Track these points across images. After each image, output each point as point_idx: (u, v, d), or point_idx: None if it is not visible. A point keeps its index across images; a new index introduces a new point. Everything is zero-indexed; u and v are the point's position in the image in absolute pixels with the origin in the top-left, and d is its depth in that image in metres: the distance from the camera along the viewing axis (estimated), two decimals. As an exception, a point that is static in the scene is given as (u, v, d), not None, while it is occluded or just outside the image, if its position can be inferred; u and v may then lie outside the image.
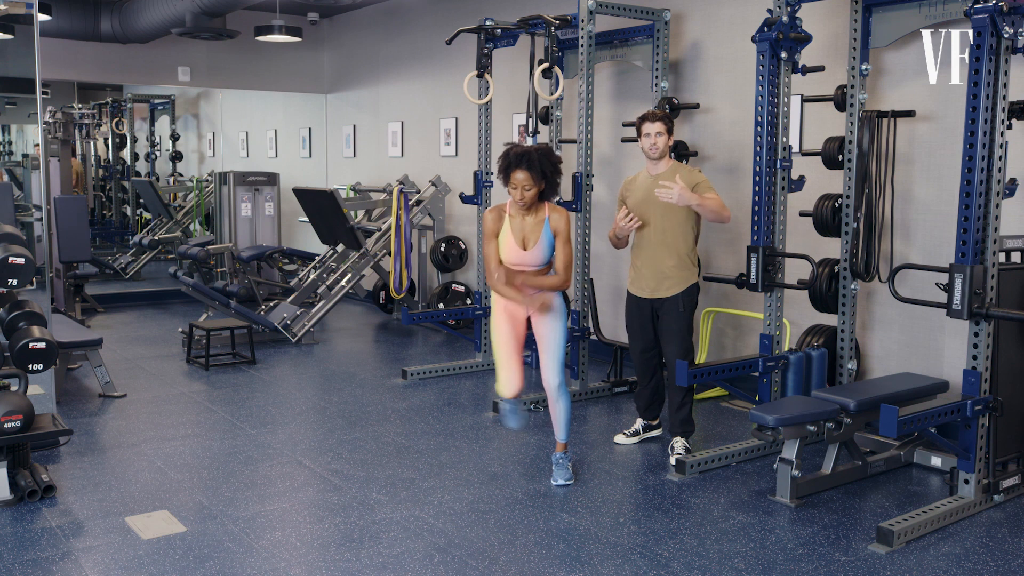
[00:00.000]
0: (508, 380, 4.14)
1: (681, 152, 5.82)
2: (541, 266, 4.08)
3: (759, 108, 4.50)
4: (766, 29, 4.44)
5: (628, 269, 4.76)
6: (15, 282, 4.01)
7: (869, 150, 4.73)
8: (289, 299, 7.88)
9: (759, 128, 4.52)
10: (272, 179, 9.84)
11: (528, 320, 4.19)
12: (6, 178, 8.57)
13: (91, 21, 8.95)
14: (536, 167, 3.93)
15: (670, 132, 4.51)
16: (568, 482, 4.22)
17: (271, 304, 7.87)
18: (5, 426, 3.87)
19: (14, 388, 4.09)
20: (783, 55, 4.48)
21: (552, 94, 5.92)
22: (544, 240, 4.05)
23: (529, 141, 7.23)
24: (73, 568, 3.32)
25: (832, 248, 5.11)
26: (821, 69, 4.91)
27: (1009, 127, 3.80)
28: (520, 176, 3.93)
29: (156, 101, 12.21)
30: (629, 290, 4.70)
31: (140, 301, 9.71)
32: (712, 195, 4.41)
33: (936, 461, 4.41)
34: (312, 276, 8.11)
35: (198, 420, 5.28)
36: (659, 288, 4.53)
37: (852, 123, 4.78)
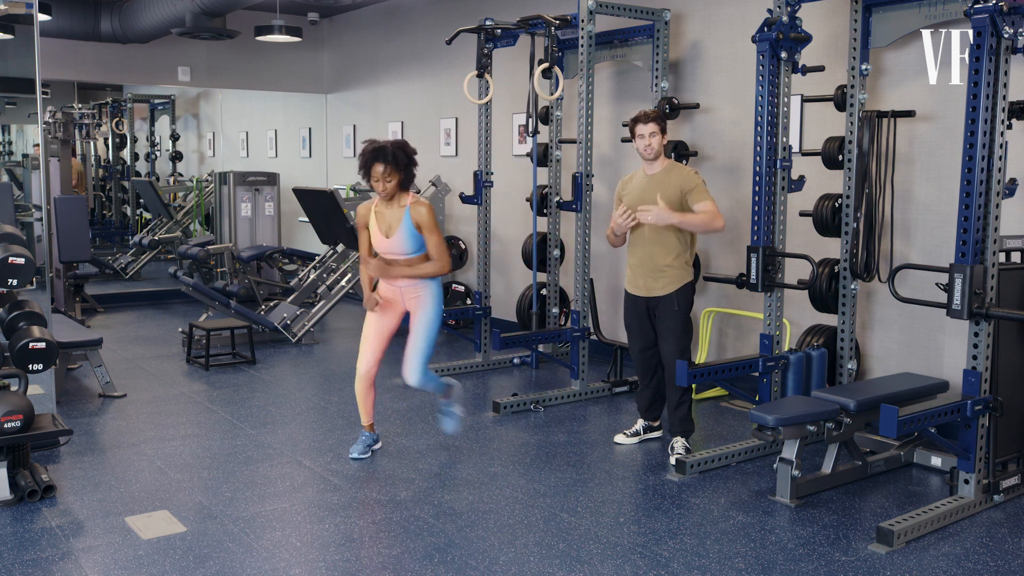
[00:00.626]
0: (365, 357, 4.54)
1: (681, 152, 5.82)
2: (409, 254, 4.37)
3: (759, 108, 4.50)
4: (766, 29, 4.44)
5: (626, 268, 4.76)
6: (15, 282, 4.01)
7: (869, 150, 4.73)
8: (289, 299, 7.88)
9: (759, 128, 4.52)
10: (272, 179, 9.84)
11: (406, 316, 4.56)
12: (6, 178, 8.58)
13: (91, 21, 8.95)
14: (390, 159, 4.24)
15: (664, 132, 4.51)
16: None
17: (271, 304, 7.87)
18: (5, 426, 3.87)
19: (14, 388, 4.09)
20: (783, 55, 4.48)
21: (552, 94, 5.92)
22: (405, 229, 4.31)
23: (529, 141, 7.24)
24: (73, 568, 3.32)
25: (832, 248, 5.11)
26: (821, 69, 4.91)
27: (1009, 127, 3.80)
28: (379, 169, 4.24)
29: (156, 101, 12.22)
30: (626, 289, 4.71)
31: (140, 301, 9.71)
32: (702, 204, 4.38)
33: (936, 461, 4.41)
34: (312, 276, 8.11)
35: (198, 420, 5.28)
36: (654, 286, 4.54)
37: (852, 123, 4.78)
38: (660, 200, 4.36)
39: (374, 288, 4.59)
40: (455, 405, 4.81)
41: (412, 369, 4.44)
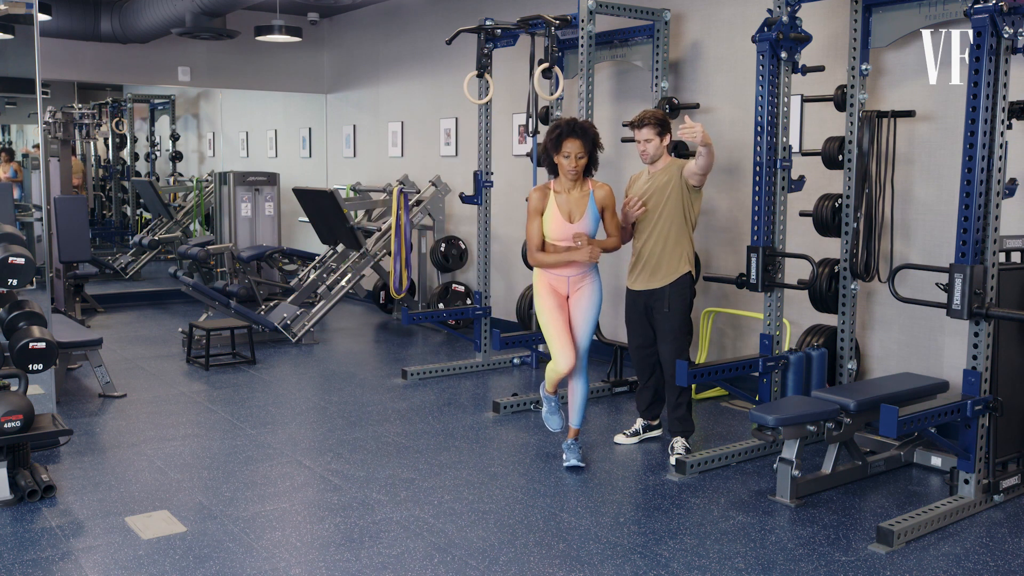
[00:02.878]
0: (565, 351, 4.27)
1: (681, 152, 5.81)
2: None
3: (759, 108, 4.50)
4: (766, 29, 4.44)
5: (626, 268, 4.77)
6: (15, 282, 4.01)
7: (869, 150, 4.73)
8: (289, 299, 7.88)
9: (759, 128, 4.52)
10: (272, 179, 9.84)
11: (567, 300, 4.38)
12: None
13: (91, 21, 8.95)
14: (588, 136, 4.13)
15: (662, 135, 4.49)
16: (580, 463, 4.38)
17: (271, 304, 7.87)
18: (5, 426, 3.87)
19: (14, 388, 4.09)
20: (783, 55, 4.48)
21: (552, 94, 5.92)
22: (590, 214, 4.23)
23: (529, 141, 7.24)
24: (73, 568, 3.32)
25: (832, 248, 5.11)
26: (821, 69, 4.91)
27: (1009, 127, 3.80)
28: (572, 145, 4.11)
29: (156, 101, 12.21)
30: (627, 285, 4.71)
31: (140, 301, 9.71)
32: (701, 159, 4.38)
33: (936, 461, 4.41)
34: (312, 276, 8.11)
35: (198, 420, 5.28)
36: (652, 280, 4.55)
37: (852, 123, 4.78)
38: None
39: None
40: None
41: (582, 355, 4.37)
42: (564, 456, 4.45)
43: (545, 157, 4.25)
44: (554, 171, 4.30)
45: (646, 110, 4.60)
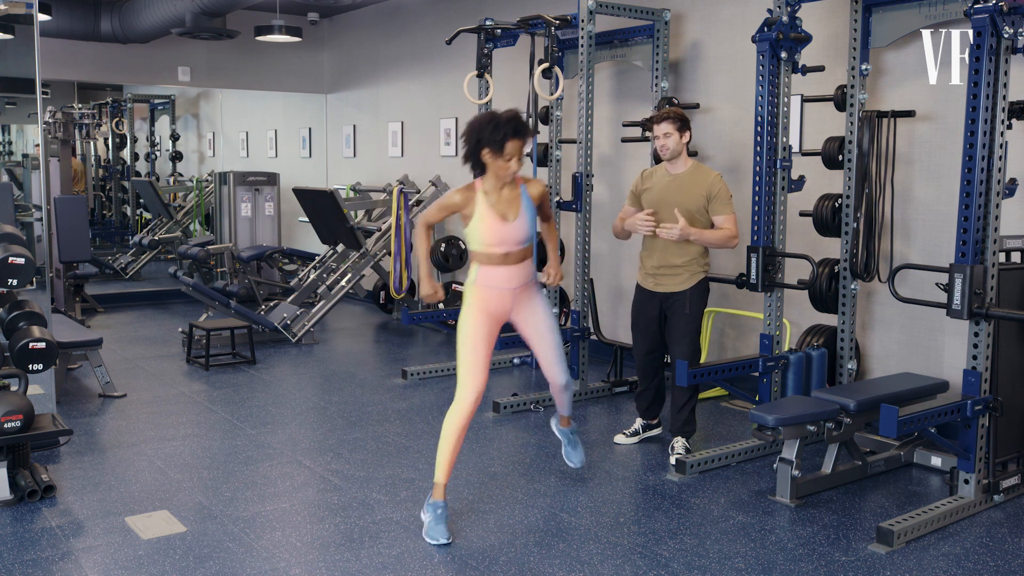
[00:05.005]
0: (476, 379, 3.66)
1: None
2: (525, 243, 3.79)
3: (759, 108, 4.49)
4: (766, 29, 4.44)
5: (626, 268, 4.76)
6: (15, 282, 4.01)
7: (869, 150, 4.73)
8: (289, 299, 7.88)
9: (759, 128, 4.52)
10: (272, 179, 9.84)
11: (505, 324, 3.91)
12: (6, 178, 8.57)
13: (91, 21, 8.95)
14: (528, 134, 3.68)
15: (681, 131, 4.46)
16: (582, 463, 4.31)
17: (271, 304, 7.87)
18: (5, 426, 3.87)
19: (14, 388, 4.09)
20: (783, 55, 4.48)
21: (552, 94, 5.92)
22: (526, 211, 3.75)
23: (529, 141, 7.23)
24: (73, 568, 3.32)
25: (832, 248, 5.11)
26: (821, 69, 4.91)
27: (1009, 127, 3.80)
28: (515, 146, 3.62)
29: (156, 101, 12.21)
30: (639, 283, 4.68)
31: (140, 301, 9.71)
32: (722, 219, 4.41)
33: (936, 461, 4.41)
34: (312, 276, 8.11)
35: (198, 420, 5.28)
36: (670, 283, 4.52)
37: (852, 123, 4.78)
38: (679, 216, 4.36)
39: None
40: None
41: (562, 368, 3.98)
42: (565, 453, 4.28)
43: (473, 155, 3.72)
44: (480, 169, 3.76)
45: (666, 108, 4.61)
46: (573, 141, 6.31)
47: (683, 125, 4.48)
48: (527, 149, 3.77)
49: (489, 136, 3.63)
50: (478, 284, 3.78)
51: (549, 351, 3.95)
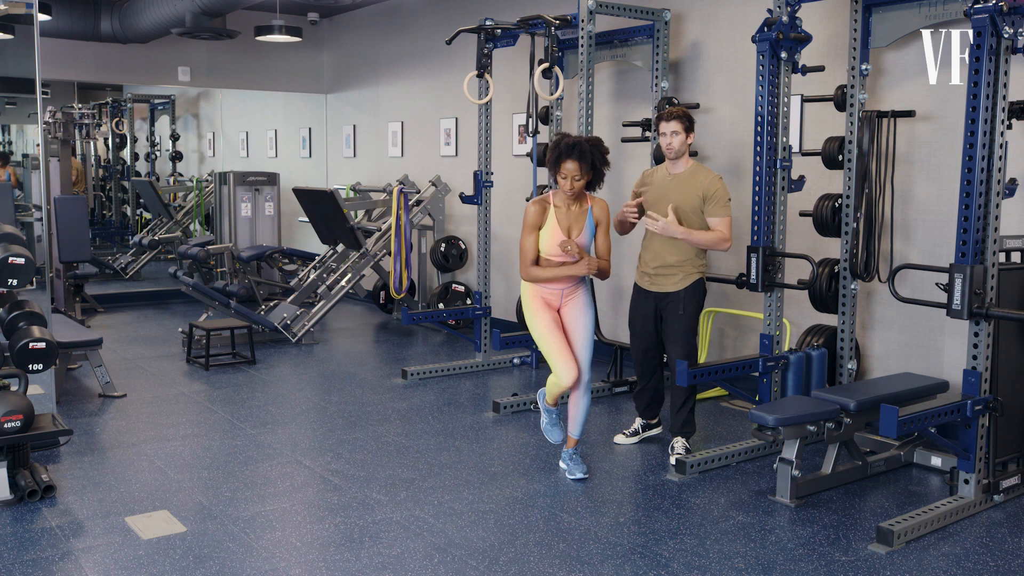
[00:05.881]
0: (567, 366, 4.16)
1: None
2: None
3: (759, 108, 4.49)
4: (766, 29, 4.44)
5: (625, 268, 4.76)
6: (15, 282, 4.01)
7: (869, 150, 4.73)
8: (289, 299, 7.88)
9: (759, 128, 4.52)
10: (272, 179, 9.84)
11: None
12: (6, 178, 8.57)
13: (91, 21, 8.95)
14: (587, 158, 4.03)
15: (688, 131, 4.47)
16: (585, 475, 4.29)
17: (271, 304, 7.87)
18: (5, 426, 3.87)
19: (14, 388, 4.09)
20: (783, 55, 4.48)
21: (552, 94, 5.92)
22: (588, 229, 4.16)
23: (529, 141, 7.24)
24: (73, 568, 3.32)
25: (832, 248, 5.11)
26: (821, 69, 4.91)
27: (1009, 127, 3.80)
28: (570, 166, 4.02)
29: (156, 101, 12.21)
30: (636, 282, 4.70)
31: (140, 301, 9.71)
32: (716, 221, 4.42)
33: (936, 461, 4.41)
34: (312, 276, 8.11)
35: (198, 420, 5.28)
36: (665, 282, 4.53)
37: (852, 123, 4.78)
38: (671, 212, 4.38)
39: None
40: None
41: (586, 366, 4.25)
42: (566, 468, 4.35)
43: (549, 167, 4.15)
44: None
45: (675, 107, 4.62)
46: (573, 141, 6.30)
47: (690, 125, 4.49)
48: (578, 172, 4.05)
49: (550, 155, 4.10)
50: (536, 287, 4.26)
51: (577, 346, 4.26)
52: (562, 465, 4.40)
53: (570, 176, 4.04)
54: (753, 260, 4.61)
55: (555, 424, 4.43)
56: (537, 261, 4.20)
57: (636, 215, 4.50)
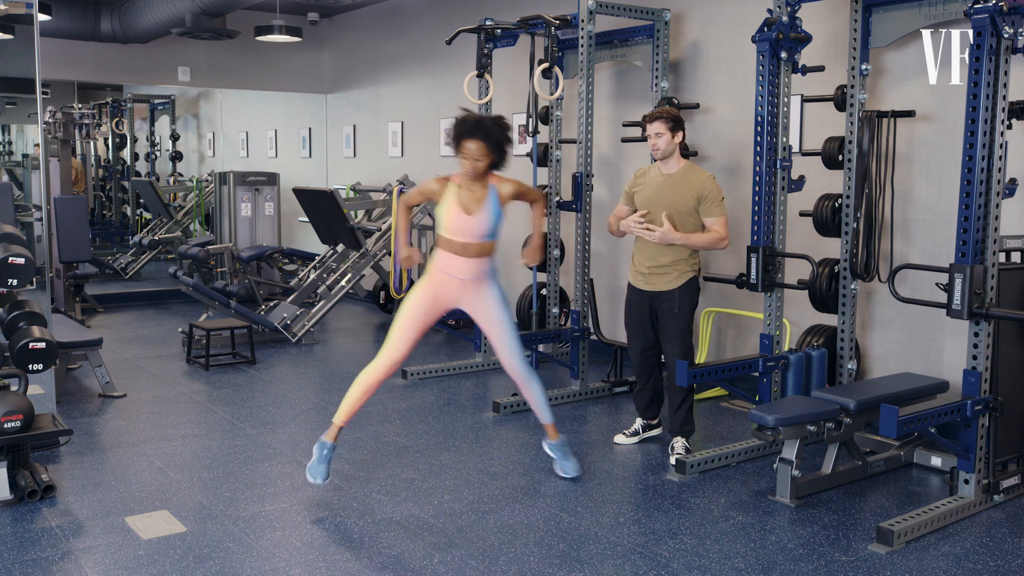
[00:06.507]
0: (400, 347, 4.07)
1: (681, 152, 5.80)
2: (485, 237, 4.05)
3: (759, 108, 4.49)
4: (766, 29, 4.44)
5: (625, 268, 4.76)
6: (15, 282, 4.01)
7: (869, 150, 4.73)
8: (289, 299, 7.88)
9: (759, 128, 4.52)
10: (272, 179, 9.84)
11: (447, 311, 4.21)
12: (6, 178, 8.57)
13: (91, 21, 8.95)
14: (491, 137, 3.90)
15: (673, 130, 4.46)
16: (578, 473, 4.24)
17: (271, 304, 7.87)
18: (5, 426, 3.87)
19: (14, 388, 4.09)
20: (783, 55, 4.48)
21: (552, 94, 5.92)
22: (490, 210, 4.02)
23: (529, 141, 7.24)
24: (73, 568, 3.32)
25: (832, 248, 5.11)
26: (821, 69, 4.91)
27: (1009, 127, 3.80)
28: (472, 146, 3.89)
29: (156, 101, 12.21)
30: (629, 282, 4.70)
31: (140, 301, 9.71)
32: (712, 221, 4.42)
33: (936, 461, 4.41)
34: (312, 276, 8.10)
35: (198, 420, 5.28)
36: (660, 282, 4.53)
37: (852, 123, 4.78)
38: (665, 220, 4.38)
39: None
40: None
41: (519, 356, 4.16)
42: (559, 467, 4.26)
43: (452, 147, 4.01)
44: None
45: (660, 108, 4.62)
46: (573, 141, 6.31)
47: (675, 125, 4.47)
48: (479, 151, 3.93)
49: (453, 134, 3.97)
50: (435, 267, 4.13)
51: (504, 341, 4.15)
52: (550, 454, 4.31)
53: (471, 156, 3.90)
54: (753, 260, 4.61)
55: (323, 461, 4.00)
56: (439, 241, 4.12)
57: (644, 229, 4.45)
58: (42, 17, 7.54)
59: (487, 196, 4.03)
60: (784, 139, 4.61)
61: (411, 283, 8.10)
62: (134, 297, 9.81)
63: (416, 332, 4.11)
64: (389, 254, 7.59)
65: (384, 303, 8.92)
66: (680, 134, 4.49)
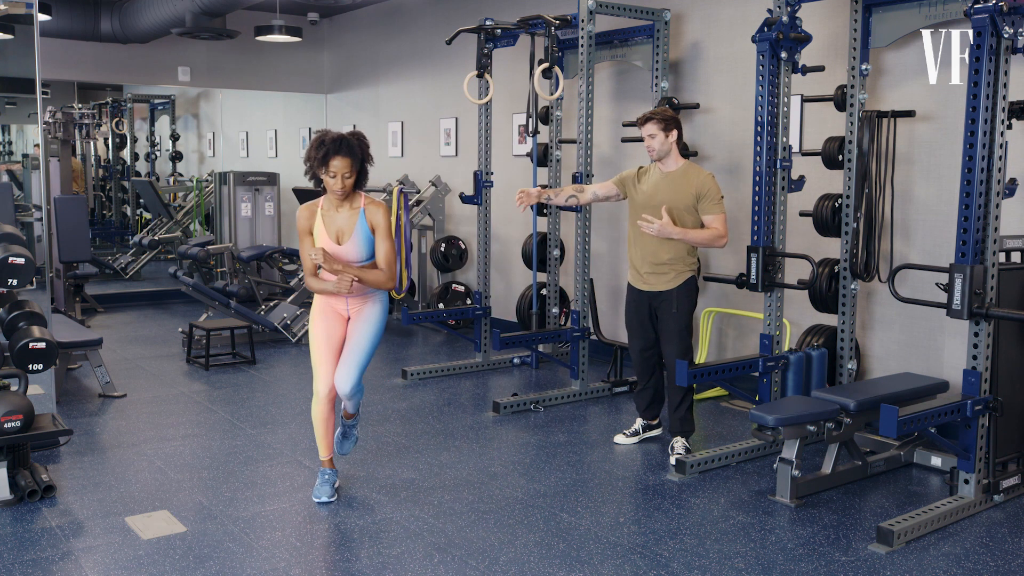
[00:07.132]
0: (322, 379, 3.88)
1: (681, 152, 5.80)
2: (362, 262, 3.83)
3: (759, 108, 4.49)
4: (766, 29, 4.44)
5: (626, 267, 4.77)
6: (15, 282, 4.01)
7: (869, 150, 4.73)
8: (289, 299, 7.88)
9: (759, 128, 4.52)
10: (272, 179, 9.84)
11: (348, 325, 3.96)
12: (6, 178, 8.57)
13: (91, 21, 8.95)
14: (356, 153, 3.72)
15: (667, 130, 4.45)
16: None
17: (271, 304, 7.87)
18: (5, 426, 3.87)
19: (14, 388, 4.09)
20: (783, 55, 4.48)
21: (552, 94, 5.92)
22: (360, 233, 3.79)
23: (529, 141, 7.24)
24: (73, 568, 3.32)
25: (832, 248, 5.11)
26: (821, 69, 4.91)
27: (1009, 127, 3.80)
28: (337, 163, 3.67)
29: (156, 101, 12.22)
30: (629, 282, 4.70)
31: (140, 301, 9.71)
32: (711, 219, 4.41)
33: (936, 461, 4.41)
34: (312, 276, 8.09)
35: (198, 420, 5.28)
36: (658, 282, 4.53)
37: (852, 123, 4.78)
38: (665, 213, 4.38)
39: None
40: (358, 425, 4.28)
41: (349, 377, 3.85)
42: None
43: (310, 172, 3.78)
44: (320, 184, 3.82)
45: (653, 108, 4.62)
46: (573, 141, 6.31)
47: (667, 125, 4.46)
48: (346, 167, 3.71)
49: (314, 154, 3.72)
50: (317, 296, 3.97)
51: (345, 358, 3.89)
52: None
53: (339, 174, 3.68)
54: (753, 260, 4.61)
55: (326, 483, 4.02)
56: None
57: (643, 217, 4.46)
58: (42, 17, 7.54)
59: (357, 222, 3.80)
60: (784, 139, 4.61)
61: (411, 283, 8.11)
62: (134, 297, 9.81)
63: (332, 356, 3.91)
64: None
65: (384, 303, 8.90)
66: (674, 133, 4.48)
